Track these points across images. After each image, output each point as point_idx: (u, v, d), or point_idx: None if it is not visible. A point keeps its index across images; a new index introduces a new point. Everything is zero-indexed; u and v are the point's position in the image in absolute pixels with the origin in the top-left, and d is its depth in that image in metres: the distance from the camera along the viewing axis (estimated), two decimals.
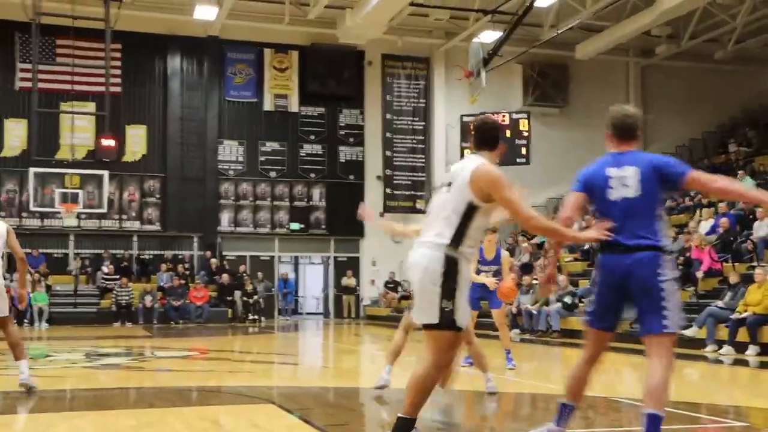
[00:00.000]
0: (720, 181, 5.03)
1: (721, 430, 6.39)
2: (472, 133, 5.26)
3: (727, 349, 12.98)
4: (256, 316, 24.86)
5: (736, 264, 15.68)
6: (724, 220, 17.39)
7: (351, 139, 28.40)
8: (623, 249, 4.78)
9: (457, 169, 5.06)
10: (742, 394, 8.62)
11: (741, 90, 29.81)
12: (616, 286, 4.85)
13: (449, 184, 5.00)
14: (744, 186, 5.82)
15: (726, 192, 5.50)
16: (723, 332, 13.33)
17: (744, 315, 12.90)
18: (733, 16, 24.84)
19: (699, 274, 15.84)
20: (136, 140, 26.55)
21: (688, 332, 13.74)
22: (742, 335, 12.84)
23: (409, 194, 28.30)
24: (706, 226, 18.31)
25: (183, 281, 24.79)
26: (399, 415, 4.82)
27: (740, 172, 21.09)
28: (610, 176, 4.91)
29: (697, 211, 20.25)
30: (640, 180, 4.83)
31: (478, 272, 10.01)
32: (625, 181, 4.86)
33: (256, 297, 25.24)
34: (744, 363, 11.74)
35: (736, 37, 26.72)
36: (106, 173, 24.14)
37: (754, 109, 29.44)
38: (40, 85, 23.63)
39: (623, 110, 5.15)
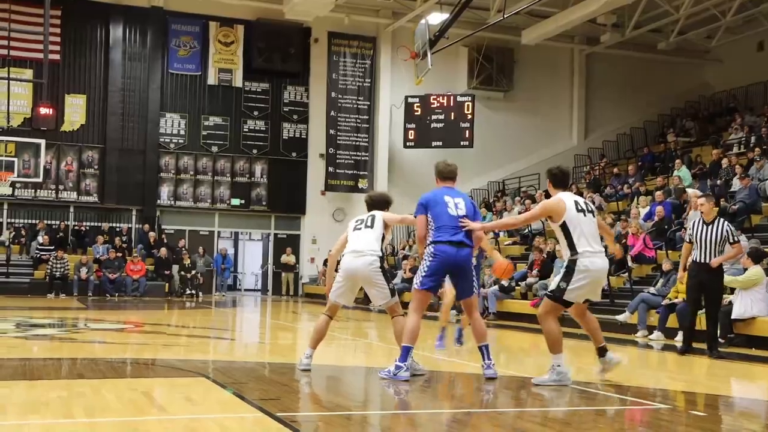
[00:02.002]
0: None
1: (647, 412, 6.53)
2: (561, 177, 7.83)
3: (657, 334, 13.25)
4: (193, 291, 24.67)
5: (670, 251, 15.99)
6: (659, 209, 17.69)
7: (295, 116, 28.24)
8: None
9: (586, 202, 7.76)
10: (668, 379, 8.83)
11: (682, 81, 30.38)
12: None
13: (592, 212, 7.61)
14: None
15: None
16: (654, 318, 13.61)
17: (675, 301, 13.17)
18: (676, 7, 25.24)
19: (629, 260, 16.12)
20: (75, 109, 26.04)
21: (620, 317, 14.01)
22: (672, 321, 13.11)
23: (351, 173, 28.27)
24: (642, 213, 18.63)
25: (120, 254, 24.46)
26: (601, 345, 7.80)
27: (677, 161, 21.48)
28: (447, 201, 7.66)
29: (635, 199, 20.58)
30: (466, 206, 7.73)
31: None
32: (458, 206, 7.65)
33: (194, 272, 25.04)
34: (673, 348, 12.00)
35: (678, 29, 27.17)
36: (42, 142, 23.67)
37: (694, 100, 30.03)
38: None
39: (445, 161, 8.08)
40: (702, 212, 10.58)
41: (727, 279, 12.39)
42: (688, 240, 10.62)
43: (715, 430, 5.94)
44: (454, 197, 7.65)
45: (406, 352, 7.43)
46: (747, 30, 27.40)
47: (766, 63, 27.02)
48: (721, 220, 10.51)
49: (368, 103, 28.52)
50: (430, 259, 7.53)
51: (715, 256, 10.19)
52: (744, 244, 13.68)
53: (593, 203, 21.68)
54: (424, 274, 7.54)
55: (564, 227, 7.40)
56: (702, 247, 10.28)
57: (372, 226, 7.97)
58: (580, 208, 7.47)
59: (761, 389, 8.87)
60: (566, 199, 7.48)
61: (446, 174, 7.88)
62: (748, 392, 8.63)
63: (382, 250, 7.92)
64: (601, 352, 7.82)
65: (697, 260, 10.34)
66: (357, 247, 7.90)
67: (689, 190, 17.87)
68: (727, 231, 10.27)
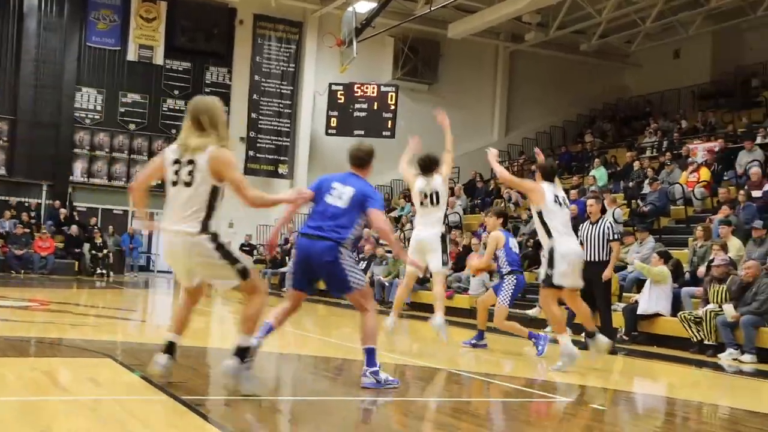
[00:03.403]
0: (383, 224, 6.58)
1: (551, 405, 6.67)
2: (550, 170, 8.96)
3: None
4: (104, 271, 24.17)
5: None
6: (573, 207, 18.02)
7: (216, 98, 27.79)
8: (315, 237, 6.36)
9: (564, 197, 8.77)
10: (573, 373, 9.02)
11: (602, 83, 31.02)
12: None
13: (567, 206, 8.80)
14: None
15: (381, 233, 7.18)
16: (564, 313, 13.84)
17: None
18: (599, 11, 25.73)
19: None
20: None
21: (530, 312, 14.23)
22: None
23: (272, 158, 28.05)
24: None
25: (28, 230, 23.76)
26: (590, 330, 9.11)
27: (596, 160, 21.95)
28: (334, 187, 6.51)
29: None
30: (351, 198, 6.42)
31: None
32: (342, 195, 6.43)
33: (105, 251, 24.52)
34: (579, 344, 12.26)
35: (600, 32, 27.71)
36: None
37: (613, 102, 30.73)
38: None
39: (357, 145, 6.86)
40: (590, 213, 11.18)
41: (639, 265, 12.85)
42: (579, 241, 11.14)
43: (615, 424, 6.10)
44: (345, 184, 6.55)
45: (265, 330, 6.55)
46: (665, 37, 28.14)
47: (682, 70, 27.83)
48: (605, 219, 11.25)
49: (291, 88, 28.32)
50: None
51: (600, 254, 10.88)
52: (652, 245, 14.14)
53: (509, 200, 22.18)
54: (290, 270, 6.77)
55: (540, 215, 8.50)
56: (588, 245, 10.96)
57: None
58: (558, 201, 8.53)
59: (661, 385, 9.15)
60: (547, 190, 8.51)
61: (349, 159, 6.82)
62: (647, 388, 8.91)
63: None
64: (590, 335, 9.13)
65: (586, 259, 10.86)
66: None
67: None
68: (607, 228, 10.97)
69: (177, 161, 5.65)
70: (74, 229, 24.37)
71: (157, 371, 5.91)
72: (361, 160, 6.71)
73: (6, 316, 11.35)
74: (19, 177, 25.54)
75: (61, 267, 23.48)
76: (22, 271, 22.76)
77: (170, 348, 6.03)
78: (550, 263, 8.45)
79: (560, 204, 8.59)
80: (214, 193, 5.60)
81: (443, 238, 9.77)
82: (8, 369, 6.40)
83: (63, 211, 25.18)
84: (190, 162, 5.57)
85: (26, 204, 25.46)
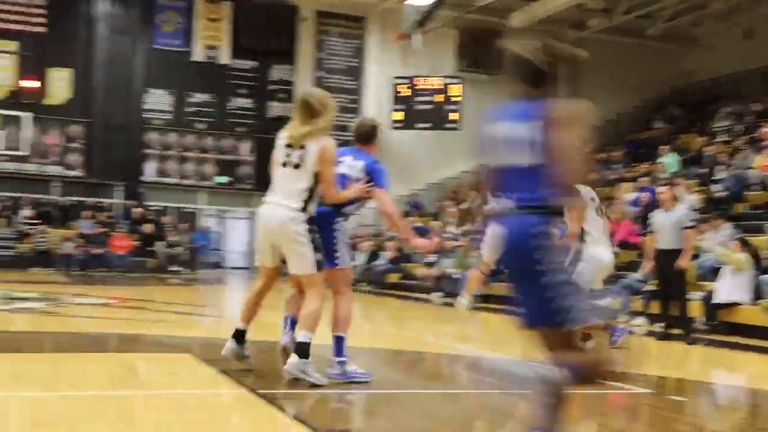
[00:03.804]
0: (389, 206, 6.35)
1: (628, 396, 6.59)
2: None
3: (640, 320, 13.32)
4: (178, 268, 24.62)
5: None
6: (644, 195, 17.74)
7: (281, 95, 28.08)
8: None
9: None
10: (650, 364, 8.90)
11: (669, 68, 30.32)
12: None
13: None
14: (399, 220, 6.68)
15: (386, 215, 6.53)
16: (638, 303, 13.67)
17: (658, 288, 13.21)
18: None
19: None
20: (61, 83, 25.80)
21: (602, 302, 14.07)
22: (655, 307, 13.16)
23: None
24: (628, 199, 18.66)
25: (105, 229, 24.35)
26: None
27: (663, 147, 21.49)
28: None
29: (620, 185, 20.62)
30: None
31: None
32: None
33: (179, 248, 24.99)
34: (655, 334, 12.09)
35: (666, 15, 27.12)
36: (27, 115, 23.48)
37: (681, 87, 30.04)
38: None
39: (361, 120, 7.03)
40: (662, 201, 10.93)
41: (720, 252, 12.58)
42: (650, 230, 10.97)
43: (695, 415, 6.00)
44: (358, 159, 6.49)
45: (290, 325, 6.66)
46: (734, 17, 27.40)
47: (754, 51, 27.02)
48: (680, 206, 11.05)
49: (356, 83, 28.40)
50: None
51: (674, 242, 10.55)
52: (729, 232, 13.80)
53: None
54: None
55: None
56: (661, 233, 10.73)
57: None
58: (596, 206, 8.60)
59: (741, 376, 8.96)
60: (587, 192, 8.33)
61: (354, 136, 6.76)
62: (728, 379, 8.73)
63: None
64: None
65: (659, 247, 10.72)
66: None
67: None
68: (682, 215, 10.69)
69: (289, 145, 6.09)
70: (148, 227, 24.87)
71: (225, 355, 6.31)
72: (366, 136, 6.65)
73: (88, 313, 11.67)
74: (95, 178, 26.18)
75: (137, 265, 23.97)
76: (100, 270, 23.31)
77: (236, 334, 6.41)
78: (574, 262, 8.25)
79: (599, 210, 8.65)
80: (318, 179, 5.99)
81: None
82: (93, 364, 6.59)
83: (137, 210, 25.71)
84: (302, 147, 6.03)
85: (103, 204, 26.09)
